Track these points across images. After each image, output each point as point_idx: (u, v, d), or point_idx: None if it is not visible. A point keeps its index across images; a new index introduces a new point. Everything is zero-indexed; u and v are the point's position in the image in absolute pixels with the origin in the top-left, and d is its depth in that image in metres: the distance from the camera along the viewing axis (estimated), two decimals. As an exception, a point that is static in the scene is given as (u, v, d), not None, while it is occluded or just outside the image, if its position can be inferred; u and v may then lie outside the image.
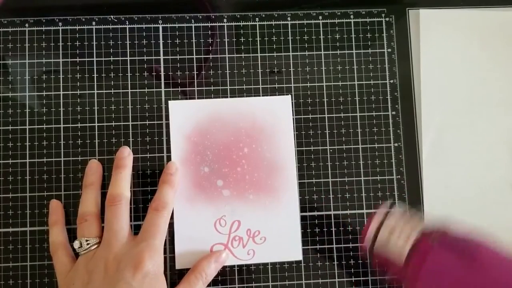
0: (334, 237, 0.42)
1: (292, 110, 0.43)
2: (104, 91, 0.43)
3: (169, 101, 0.42)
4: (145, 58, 0.43)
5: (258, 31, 0.44)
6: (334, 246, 0.42)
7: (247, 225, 0.41)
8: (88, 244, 0.37)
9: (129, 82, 0.43)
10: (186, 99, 0.43)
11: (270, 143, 0.42)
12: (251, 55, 0.44)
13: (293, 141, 0.42)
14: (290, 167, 0.42)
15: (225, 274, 0.41)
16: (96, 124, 0.42)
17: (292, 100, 0.43)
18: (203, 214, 0.41)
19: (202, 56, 0.44)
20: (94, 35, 0.43)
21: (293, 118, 0.43)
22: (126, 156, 0.40)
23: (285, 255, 0.41)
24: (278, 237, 0.41)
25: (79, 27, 0.43)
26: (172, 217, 0.40)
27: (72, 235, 0.40)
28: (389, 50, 0.45)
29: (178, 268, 0.40)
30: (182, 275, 0.41)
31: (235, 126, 0.42)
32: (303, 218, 0.42)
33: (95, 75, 0.43)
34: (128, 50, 0.43)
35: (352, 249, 0.42)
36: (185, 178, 0.41)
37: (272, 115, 0.42)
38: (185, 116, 0.42)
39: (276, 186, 0.41)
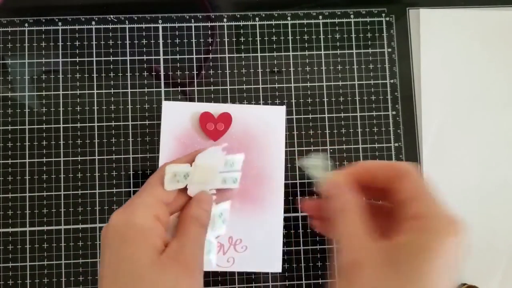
0: (334, 237, 0.42)
1: (292, 110, 0.43)
2: (104, 91, 0.43)
3: (163, 101, 0.42)
4: (145, 58, 0.43)
5: (258, 31, 0.44)
6: (335, 246, 0.42)
7: (229, 233, 0.40)
8: None
9: (129, 82, 0.43)
10: (186, 99, 0.43)
11: (260, 152, 0.41)
12: (251, 55, 0.44)
13: (283, 152, 0.42)
14: (278, 178, 0.41)
15: (225, 274, 0.41)
16: (96, 124, 0.42)
17: (287, 101, 0.43)
18: None
19: (202, 56, 0.44)
20: (94, 35, 0.43)
21: (293, 118, 0.43)
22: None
23: (265, 266, 0.40)
24: (260, 247, 0.40)
25: (79, 27, 0.43)
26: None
27: (72, 235, 0.40)
28: (389, 50, 0.45)
29: None
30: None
31: (227, 132, 0.42)
32: (303, 218, 0.42)
33: (95, 75, 0.43)
34: (128, 50, 0.43)
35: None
36: None
37: (265, 124, 0.42)
38: (177, 117, 0.42)
39: (263, 196, 0.41)
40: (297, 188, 0.42)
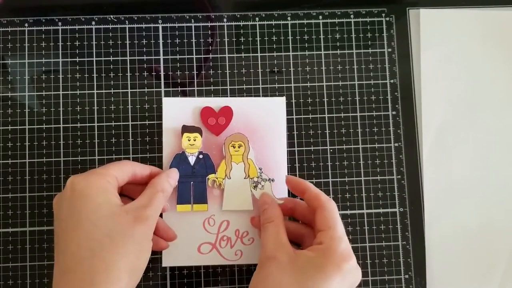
0: (334, 237, 0.42)
1: (292, 110, 0.43)
2: (104, 91, 0.43)
3: (163, 98, 0.42)
4: (145, 58, 0.43)
5: (258, 31, 0.44)
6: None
7: (235, 225, 0.41)
8: None
9: (129, 82, 0.43)
10: (186, 99, 0.43)
11: (262, 144, 0.42)
12: (251, 55, 0.44)
13: (285, 143, 0.42)
14: (281, 168, 0.41)
15: (225, 274, 0.41)
16: (96, 124, 0.42)
17: (287, 101, 0.43)
18: (192, 212, 0.40)
19: (202, 56, 0.44)
20: (93, 35, 0.43)
21: (293, 118, 0.43)
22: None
23: None
24: None
25: (79, 27, 0.43)
26: (160, 215, 0.40)
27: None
28: (389, 50, 0.45)
29: (164, 265, 0.40)
30: (173, 275, 0.41)
31: (228, 126, 0.42)
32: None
33: (94, 75, 0.43)
34: (128, 50, 0.43)
35: (353, 249, 0.42)
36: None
37: (266, 116, 0.42)
38: (178, 114, 0.42)
39: None
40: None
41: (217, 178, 0.40)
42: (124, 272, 0.31)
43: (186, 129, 0.40)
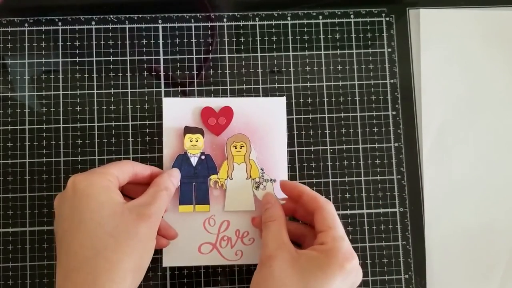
0: (334, 237, 0.42)
1: (292, 110, 0.43)
2: (104, 91, 0.43)
3: (163, 98, 0.42)
4: (145, 58, 0.43)
5: (258, 31, 0.44)
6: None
7: (236, 225, 0.41)
8: None
9: (128, 82, 0.43)
10: (186, 99, 0.43)
11: (262, 145, 0.42)
12: (251, 55, 0.44)
13: (285, 143, 0.42)
14: (281, 168, 0.41)
15: (225, 274, 0.41)
16: (96, 124, 0.42)
17: (287, 101, 0.43)
18: (192, 213, 0.40)
19: (202, 56, 0.44)
20: (93, 35, 0.43)
21: (293, 118, 0.43)
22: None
23: None
24: None
25: (79, 27, 0.43)
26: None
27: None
28: (389, 50, 0.45)
29: (165, 265, 0.40)
30: (173, 275, 0.41)
31: (228, 126, 0.42)
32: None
33: (94, 75, 0.43)
34: (128, 50, 0.43)
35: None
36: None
37: (266, 116, 0.42)
38: (178, 114, 0.42)
39: None
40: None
41: (219, 178, 0.40)
42: (128, 271, 0.31)
43: (188, 130, 0.40)
